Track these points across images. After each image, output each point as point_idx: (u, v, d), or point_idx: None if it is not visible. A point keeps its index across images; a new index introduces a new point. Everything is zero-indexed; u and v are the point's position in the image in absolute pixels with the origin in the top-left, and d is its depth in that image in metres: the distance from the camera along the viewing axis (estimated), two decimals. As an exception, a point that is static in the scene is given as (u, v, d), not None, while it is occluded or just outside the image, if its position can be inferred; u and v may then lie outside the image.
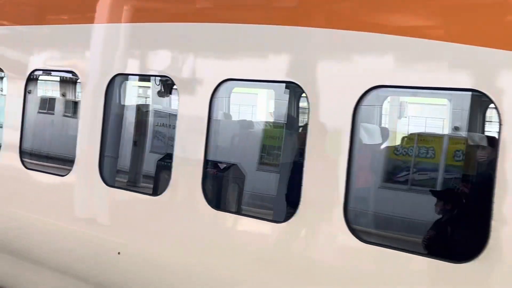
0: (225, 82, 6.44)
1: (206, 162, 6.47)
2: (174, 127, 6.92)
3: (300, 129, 7.56)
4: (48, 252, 7.98)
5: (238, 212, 6.92)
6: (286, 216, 6.16)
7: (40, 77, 9.48)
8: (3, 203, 8.56)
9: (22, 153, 8.37)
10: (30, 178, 8.34)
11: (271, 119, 9.02)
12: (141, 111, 8.78)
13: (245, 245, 6.24)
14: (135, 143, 8.51)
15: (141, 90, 10.10)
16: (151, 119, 8.83)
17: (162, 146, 8.32)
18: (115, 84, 7.56)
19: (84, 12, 7.88)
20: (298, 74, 5.96)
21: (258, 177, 7.87)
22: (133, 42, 7.40)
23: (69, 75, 9.41)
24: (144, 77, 8.41)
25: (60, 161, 8.69)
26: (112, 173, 7.83)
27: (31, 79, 8.51)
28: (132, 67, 7.52)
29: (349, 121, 5.44)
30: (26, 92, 8.38)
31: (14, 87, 8.58)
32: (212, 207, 6.44)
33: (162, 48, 7.08)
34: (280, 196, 6.95)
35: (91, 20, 7.74)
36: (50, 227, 7.98)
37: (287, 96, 8.19)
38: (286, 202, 6.67)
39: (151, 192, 7.48)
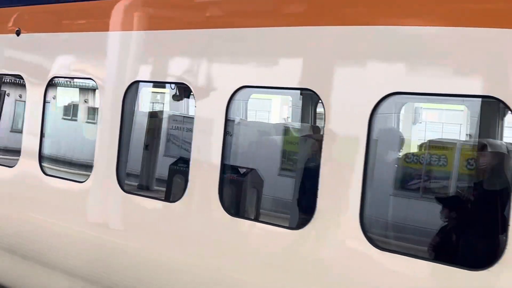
0: (392, 95, 5.45)
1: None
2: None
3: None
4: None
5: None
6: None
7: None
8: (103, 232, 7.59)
9: (119, 175, 7.43)
10: (131, 204, 7.40)
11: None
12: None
13: None
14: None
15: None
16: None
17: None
18: (237, 97, 6.59)
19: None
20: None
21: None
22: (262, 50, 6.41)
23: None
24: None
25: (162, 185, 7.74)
26: (233, 201, 6.85)
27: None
28: (262, 78, 6.50)
29: None
30: (125, 105, 7.43)
31: (108, 100, 7.63)
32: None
33: (305, 58, 6.09)
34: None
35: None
36: (156, 260, 7.03)
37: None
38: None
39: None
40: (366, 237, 5.39)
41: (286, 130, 8.39)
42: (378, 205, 6.11)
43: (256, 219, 6.73)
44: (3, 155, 9.45)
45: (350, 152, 5.54)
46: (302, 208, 6.51)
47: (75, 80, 9.13)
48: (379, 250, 5.35)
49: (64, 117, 9.56)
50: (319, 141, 5.81)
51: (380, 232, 5.93)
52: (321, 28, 5.89)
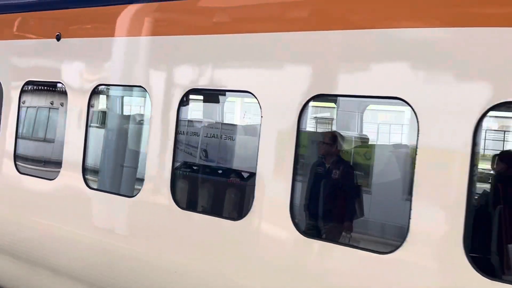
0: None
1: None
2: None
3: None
4: None
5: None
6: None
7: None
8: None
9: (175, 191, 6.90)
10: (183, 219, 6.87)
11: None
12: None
13: None
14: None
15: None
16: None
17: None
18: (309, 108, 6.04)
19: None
20: None
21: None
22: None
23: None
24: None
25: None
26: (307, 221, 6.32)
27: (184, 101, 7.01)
28: (343, 85, 5.93)
29: None
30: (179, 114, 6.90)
31: (161, 109, 7.07)
32: None
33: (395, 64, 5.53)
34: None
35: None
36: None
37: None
38: None
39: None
40: (471, 263, 4.81)
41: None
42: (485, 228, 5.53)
43: (331, 239, 6.17)
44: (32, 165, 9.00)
45: (450, 168, 4.98)
46: (388, 230, 5.95)
47: (122, 87, 8.57)
48: (490, 280, 4.77)
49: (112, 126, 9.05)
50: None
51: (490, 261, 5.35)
52: (414, 31, 5.34)
